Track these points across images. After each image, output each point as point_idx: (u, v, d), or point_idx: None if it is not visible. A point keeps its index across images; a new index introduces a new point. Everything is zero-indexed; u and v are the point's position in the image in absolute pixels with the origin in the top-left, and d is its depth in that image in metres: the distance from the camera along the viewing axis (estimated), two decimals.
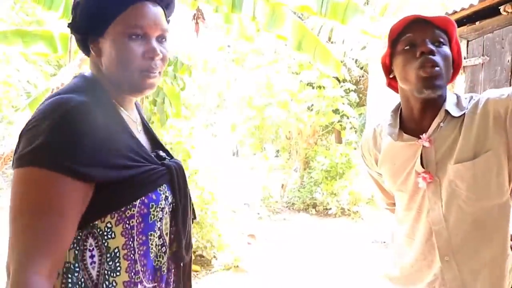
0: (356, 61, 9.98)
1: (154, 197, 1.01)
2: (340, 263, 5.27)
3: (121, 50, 1.00)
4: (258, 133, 9.89)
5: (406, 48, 1.28)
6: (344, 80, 9.85)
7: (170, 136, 5.26)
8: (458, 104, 1.33)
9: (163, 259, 1.06)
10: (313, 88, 9.52)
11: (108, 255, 0.96)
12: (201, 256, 5.11)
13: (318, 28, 7.98)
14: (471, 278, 1.30)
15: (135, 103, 1.17)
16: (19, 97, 8.36)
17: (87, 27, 1.02)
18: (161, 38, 1.05)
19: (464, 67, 4.02)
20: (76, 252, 0.95)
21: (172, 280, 1.10)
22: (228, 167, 6.39)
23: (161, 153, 1.13)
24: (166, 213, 1.05)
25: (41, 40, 4.49)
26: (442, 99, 1.33)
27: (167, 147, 1.28)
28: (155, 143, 1.17)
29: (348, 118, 9.68)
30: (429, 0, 7.17)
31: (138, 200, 0.97)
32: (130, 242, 0.98)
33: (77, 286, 0.93)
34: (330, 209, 8.43)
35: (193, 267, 4.83)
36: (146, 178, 1.00)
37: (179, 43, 6.27)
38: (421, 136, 1.32)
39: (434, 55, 1.23)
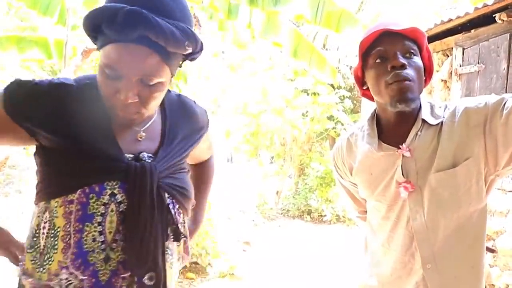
0: (350, 68, 10.00)
1: (97, 189, 1.02)
2: (335, 270, 5.25)
3: (99, 81, 1.04)
4: (253, 139, 9.88)
5: (377, 61, 1.28)
6: (339, 87, 9.88)
7: None
8: (433, 112, 1.34)
9: (99, 256, 1.02)
10: (308, 94, 9.54)
11: (53, 231, 1.03)
12: (196, 263, 5.08)
13: (313, 35, 8.00)
14: (453, 284, 1.31)
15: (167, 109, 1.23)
16: None
17: (95, 38, 1.05)
18: (147, 80, 1.00)
19: (460, 74, 4.04)
20: (38, 220, 1.07)
21: (120, 285, 1.05)
22: (223, 174, 6.37)
23: (142, 155, 1.12)
24: (112, 211, 1.04)
25: (36, 46, 4.46)
26: (417, 109, 1.33)
27: None
28: (154, 150, 1.15)
29: (342, 124, 9.69)
30: (422, 8, 7.22)
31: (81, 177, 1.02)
32: (68, 226, 1.01)
33: (33, 249, 1.06)
34: (325, 216, 8.42)
35: (188, 274, 4.80)
36: (94, 169, 1.03)
37: None
38: (400, 146, 1.32)
39: (405, 68, 1.24)
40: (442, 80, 4.39)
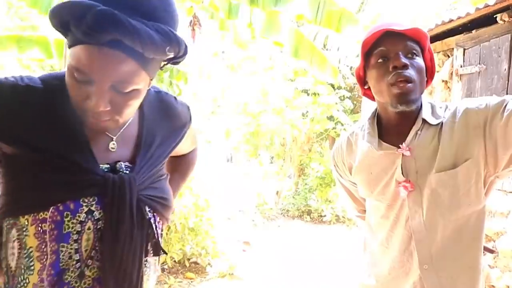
0: (351, 68, 10.00)
1: (72, 206, 0.93)
2: (335, 270, 5.25)
3: (67, 83, 0.93)
4: (253, 139, 9.87)
5: (379, 61, 1.28)
6: (339, 87, 9.88)
7: None
8: (434, 112, 1.34)
9: (74, 273, 0.96)
10: (308, 95, 9.53)
11: (25, 251, 0.94)
12: (196, 263, 5.07)
13: (313, 35, 7.99)
14: (450, 285, 1.31)
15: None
16: None
17: (66, 35, 0.92)
18: (120, 88, 0.91)
19: (460, 75, 4.03)
20: (4, 239, 0.97)
21: None
22: (222, 174, 6.37)
23: (119, 165, 1.03)
24: (89, 228, 0.96)
25: (36, 46, 4.46)
26: (418, 109, 1.33)
27: None
28: (130, 158, 1.07)
29: (342, 125, 9.68)
30: (422, 9, 7.22)
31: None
32: (43, 247, 0.93)
33: (4, 270, 0.97)
34: (325, 216, 8.42)
35: (188, 274, 4.80)
36: (68, 183, 0.93)
37: None
38: (400, 145, 1.32)
39: (407, 68, 1.23)
40: (443, 81, 4.39)
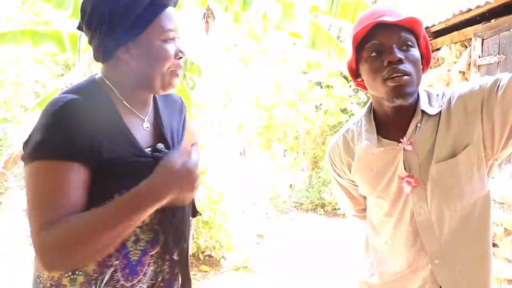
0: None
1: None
2: (348, 263, 5.22)
3: (158, 52, 1.08)
4: (266, 132, 9.85)
5: (372, 55, 1.21)
6: None
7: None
8: (431, 101, 1.30)
9: (130, 237, 1.06)
10: (321, 87, 9.47)
11: None
12: (210, 256, 5.09)
13: (327, 27, 7.93)
14: (462, 276, 1.27)
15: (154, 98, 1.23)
16: (28, 97, 8.36)
17: (122, 33, 1.05)
18: (178, 39, 1.13)
19: (479, 66, 3.96)
20: None
21: (148, 263, 1.10)
22: (236, 167, 6.37)
23: (159, 145, 1.16)
24: None
25: (49, 40, 4.47)
26: (415, 100, 1.28)
27: None
28: (162, 138, 1.19)
29: None
30: None
31: (122, 191, 1.01)
32: None
33: None
34: (339, 209, 8.38)
35: (202, 267, 4.81)
36: (129, 170, 1.04)
37: (189, 42, 6.25)
38: (401, 140, 1.27)
39: (402, 63, 1.18)
40: (460, 72, 4.31)
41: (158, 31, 1.07)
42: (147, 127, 1.16)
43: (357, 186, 1.47)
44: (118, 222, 0.95)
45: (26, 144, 1.00)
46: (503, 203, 3.56)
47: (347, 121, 8.60)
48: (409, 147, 1.26)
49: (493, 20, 3.79)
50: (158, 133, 1.19)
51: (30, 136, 1.00)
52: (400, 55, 1.18)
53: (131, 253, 1.07)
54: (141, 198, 0.98)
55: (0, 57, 7.60)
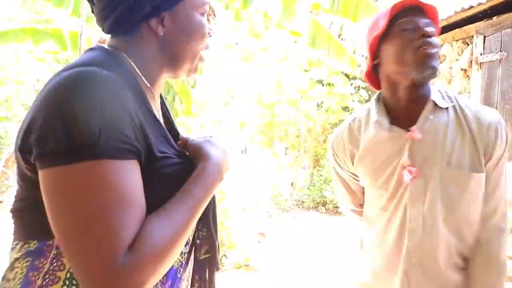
0: (366, 58, 9.90)
1: None
2: (349, 261, 5.22)
3: (197, 27, 0.90)
4: (267, 130, 9.85)
5: (404, 30, 1.26)
6: (354, 78, 9.78)
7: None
8: (442, 95, 1.32)
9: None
10: (322, 85, 9.46)
11: None
12: None
13: (328, 25, 7.91)
14: (433, 283, 1.29)
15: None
16: (29, 95, 8.37)
17: (162, 0, 0.85)
18: None
19: (480, 63, 3.94)
20: None
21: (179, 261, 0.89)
22: (237, 165, 6.37)
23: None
24: None
25: (51, 38, 4.46)
26: (428, 90, 1.31)
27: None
28: (173, 135, 0.96)
29: None
30: None
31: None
32: None
33: None
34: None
35: None
36: (181, 174, 0.82)
37: None
38: (410, 128, 1.28)
39: (432, 37, 1.24)
40: (461, 69, 4.30)
41: (198, 1, 0.90)
42: (159, 115, 0.95)
43: (357, 179, 1.47)
44: (196, 214, 0.79)
45: (48, 137, 0.68)
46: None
47: None
48: (419, 135, 1.26)
49: (495, 17, 3.77)
50: (169, 127, 0.98)
51: (52, 124, 0.68)
52: (432, 29, 1.24)
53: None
54: (208, 178, 0.82)
55: (2, 55, 7.61)
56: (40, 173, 0.70)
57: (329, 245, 6.03)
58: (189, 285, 0.94)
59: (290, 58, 9.36)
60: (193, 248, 0.93)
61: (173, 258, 0.74)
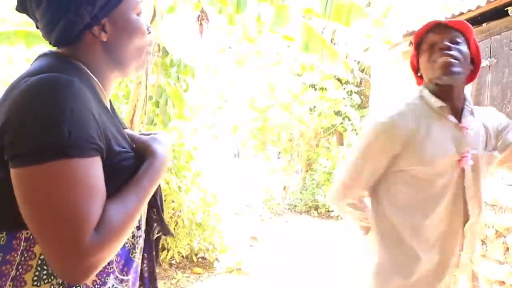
0: (358, 63, 9.96)
1: None
2: (343, 266, 5.24)
3: (136, 27, 1.00)
4: (260, 134, 9.86)
5: (429, 46, 1.51)
6: (347, 82, 9.83)
7: (172, 137, 5.20)
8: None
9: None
10: (315, 89, 9.50)
11: None
12: (203, 258, 5.08)
13: (321, 30, 7.95)
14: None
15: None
16: None
17: (98, 9, 0.93)
18: None
19: None
20: None
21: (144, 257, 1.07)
22: (230, 169, 6.37)
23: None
24: None
25: (43, 41, 4.45)
26: (463, 94, 1.55)
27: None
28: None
29: (350, 120, 9.64)
30: (432, 1, 7.15)
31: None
32: None
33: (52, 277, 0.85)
34: (332, 211, 8.39)
35: (195, 269, 4.80)
36: (134, 166, 0.93)
37: (183, 44, 6.24)
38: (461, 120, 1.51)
39: (451, 49, 1.45)
40: None
41: (132, 3, 0.99)
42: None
43: (380, 169, 1.52)
44: (144, 201, 0.91)
45: (22, 139, 0.77)
46: (494, 205, 3.58)
47: (341, 123, 8.56)
48: (470, 126, 1.51)
49: (485, 24, 3.82)
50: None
51: (25, 127, 0.77)
52: (449, 44, 1.46)
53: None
54: (155, 172, 0.94)
55: None
56: (13, 171, 0.79)
57: (321, 249, 6.04)
58: (140, 263, 1.05)
59: (283, 62, 9.39)
60: (147, 231, 1.07)
61: (126, 237, 0.86)
